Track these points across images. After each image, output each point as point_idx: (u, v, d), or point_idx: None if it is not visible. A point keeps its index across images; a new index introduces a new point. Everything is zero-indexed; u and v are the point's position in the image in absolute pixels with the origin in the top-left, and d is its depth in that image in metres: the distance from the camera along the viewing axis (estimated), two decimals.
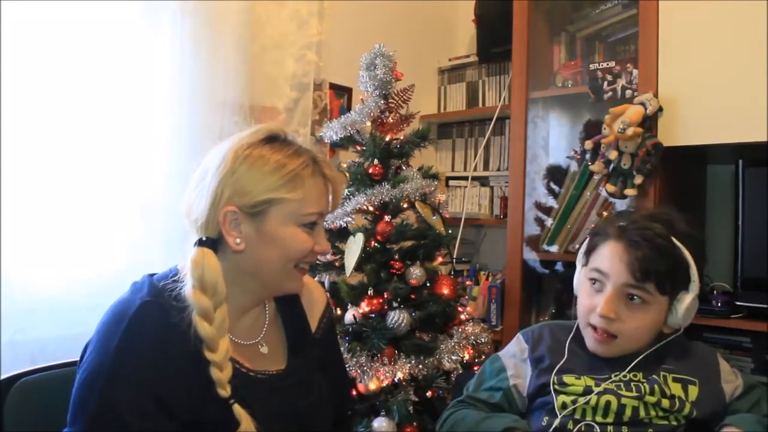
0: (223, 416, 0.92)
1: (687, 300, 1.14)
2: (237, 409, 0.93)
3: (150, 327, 0.92)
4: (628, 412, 1.10)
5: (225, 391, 0.92)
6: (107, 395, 0.88)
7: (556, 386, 1.15)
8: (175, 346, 0.91)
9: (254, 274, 1.00)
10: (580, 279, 1.23)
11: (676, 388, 1.14)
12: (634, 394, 1.12)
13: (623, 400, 1.11)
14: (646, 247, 1.11)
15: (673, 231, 1.14)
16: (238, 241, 0.97)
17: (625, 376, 1.14)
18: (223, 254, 0.98)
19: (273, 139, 1.01)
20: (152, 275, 1.02)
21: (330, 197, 1.04)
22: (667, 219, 1.17)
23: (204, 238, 0.97)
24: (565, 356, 1.19)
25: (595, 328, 1.15)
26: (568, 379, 1.16)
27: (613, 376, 1.15)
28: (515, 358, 1.24)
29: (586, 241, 1.24)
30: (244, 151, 0.98)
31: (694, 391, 1.14)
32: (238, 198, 0.96)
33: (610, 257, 1.14)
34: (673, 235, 1.13)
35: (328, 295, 1.29)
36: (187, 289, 0.93)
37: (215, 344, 0.92)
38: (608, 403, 1.11)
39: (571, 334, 1.23)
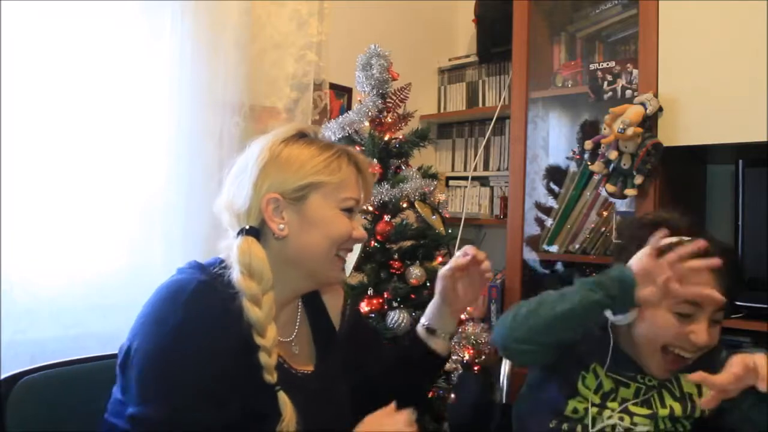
0: (267, 405, 0.93)
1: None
2: (282, 396, 0.94)
3: (208, 305, 0.92)
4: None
5: (272, 377, 0.94)
6: (173, 372, 0.89)
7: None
8: (229, 328, 0.92)
9: (297, 261, 1.01)
10: (652, 306, 1.10)
11: (690, 386, 1.13)
12: (647, 411, 1.11)
13: (636, 419, 1.10)
14: (730, 267, 1.09)
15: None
16: (281, 227, 0.99)
17: (649, 380, 1.13)
18: (265, 243, 0.99)
19: (303, 135, 1.05)
20: (197, 262, 1.04)
21: (362, 187, 1.06)
22: (699, 225, 1.16)
23: (247, 227, 0.99)
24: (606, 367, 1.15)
25: (667, 351, 1.10)
26: (571, 402, 1.14)
27: (638, 377, 1.13)
28: None
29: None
30: (279, 145, 1.01)
31: (706, 388, 1.13)
32: (280, 185, 0.99)
33: (701, 284, 1.06)
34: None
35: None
36: (235, 275, 0.95)
37: (264, 329, 0.94)
38: (621, 419, 1.10)
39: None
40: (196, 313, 0.91)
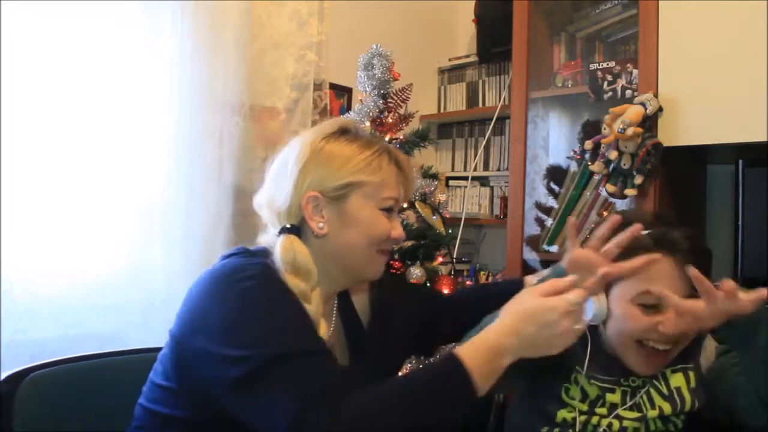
0: None
1: None
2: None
3: (274, 277, 0.94)
4: None
5: None
6: (256, 320, 0.89)
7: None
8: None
9: (336, 258, 1.02)
10: (618, 301, 1.10)
11: (677, 380, 1.12)
12: (636, 415, 1.09)
13: (625, 423, 1.09)
14: (690, 254, 1.05)
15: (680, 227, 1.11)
16: (321, 225, 0.99)
17: (633, 381, 1.11)
18: (306, 241, 1.00)
19: (345, 131, 1.04)
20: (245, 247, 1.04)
21: (403, 186, 1.06)
22: (666, 216, 1.14)
23: (288, 226, 0.99)
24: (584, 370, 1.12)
25: (642, 345, 1.07)
26: (560, 412, 1.13)
27: (621, 380, 1.12)
28: None
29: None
30: (320, 141, 1.01)
31: (692, 378, 1.12)
32: (320, 183, 0.99)
33: (665, 276, 1.04)
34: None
35: None
36: (281, 273, 0.95)
37: (317, 324, 0.95)
38: (610, 425, 1.09)
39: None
40: (264, 277, 0.92)
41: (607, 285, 1.09)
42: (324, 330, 0.95)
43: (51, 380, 1.11)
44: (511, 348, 0.89)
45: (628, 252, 1.06)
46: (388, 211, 1.03)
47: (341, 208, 1.00)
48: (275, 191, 1.02)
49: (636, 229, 1.03)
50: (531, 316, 0.89)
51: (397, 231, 1.04)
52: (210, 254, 1.91)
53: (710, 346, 1.15)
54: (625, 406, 1.10)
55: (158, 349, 1.03)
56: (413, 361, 1.66)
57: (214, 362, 0.88)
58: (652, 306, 1.06)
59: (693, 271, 0.96)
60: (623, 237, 1.04)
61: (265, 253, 0.99)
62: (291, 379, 0.84)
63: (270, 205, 1.02)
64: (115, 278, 1.74)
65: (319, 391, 0.84)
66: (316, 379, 0.85)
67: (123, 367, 1.23)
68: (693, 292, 1.01)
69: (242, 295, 0.90)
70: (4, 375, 1.07)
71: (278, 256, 0.96)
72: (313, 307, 0.94)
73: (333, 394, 0.84)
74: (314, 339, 0.92)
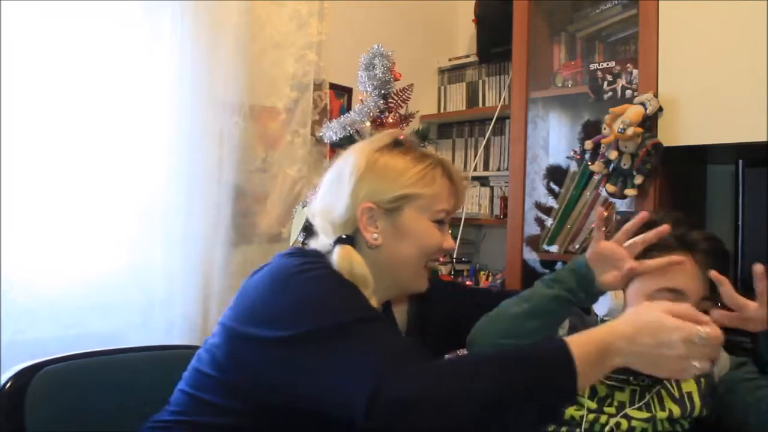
0: None
1: None
2: None
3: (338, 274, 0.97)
4: None
5: None
6: (316, 297, 0.91)
7: None
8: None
9: (388, 269, 1.03)
10: (635, 297, 1.09)
11: (689, 385, 1.12)
12: (645, 415, 1.09)
13: (633, 423, 1.09)
14: (710, 255, 1.06)
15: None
16: (375, 236, 1.01)
17: (643, 380, 1.11)
18: (359, 251, 1.02)
19: (398, 144, 1.07)
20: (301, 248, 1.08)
21: (455, 198, 1.08)
22: (685, 218, 1.13)
23: (344, 236, 1.01)
24: None
25: None
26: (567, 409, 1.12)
27: (631, 378, 1.11)
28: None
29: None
30: (375, 153, 1.04)
31: (704, 384, 1.12)
32: (375, 195, 1.01)
33: (682, 273, 1.05)
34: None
35: None
36: None
37: None
38: (618, 424, 1.09)
39: None
40: (328, 268, 0.96)
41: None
42: None
43: (63, 375, 1.12)
44: (622, 352, 0.83)
45: (650, 249, 1.05)
46: (439, 223, 1.05)
47: (395, 220, 1.02)
48: (330, 202, 1.04)
49: (664, 229, 1.03)
50: (650, 328, 0.83)
51: (448, 242, 1.07)
52: (210, 254, 1.92)
53: (723, 356, 1.15)
54: (634, 406, 1.10)
55: (167, 347, 1.05)
56: None
57: (280, 347, 0.88)
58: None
59: (714, 274, 0.95)
60: (650, 235, 1.03)
61: (321, 254, 1.02)
62: (367, 343, 0.85)
63: (324, 215, 1.04)
64: (115, 278, 1.74)
65: (398, 353, 0.84)
66: (392, 343, 0.87)
67: (136, 363, 1.25)
68: (711, 294, 1.02)
69: (308, 281, 0.93)
70: (6, 372, 1.08)
71: (335, 266, 0.99)
72: None
73: (412, 358, 0.84)
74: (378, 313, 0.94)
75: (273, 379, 0.89)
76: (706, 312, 1.01)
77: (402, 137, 1.08)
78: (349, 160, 1.04)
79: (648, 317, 0.83)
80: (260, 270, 1.00)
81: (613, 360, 0.83)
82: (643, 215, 1.06)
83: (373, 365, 0.82)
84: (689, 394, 1.12)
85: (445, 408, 0.79)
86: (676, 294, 1.04)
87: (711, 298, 1.04)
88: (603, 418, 1.10)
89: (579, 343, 0.83)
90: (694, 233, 1.08)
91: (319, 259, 0.99)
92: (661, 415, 1.09)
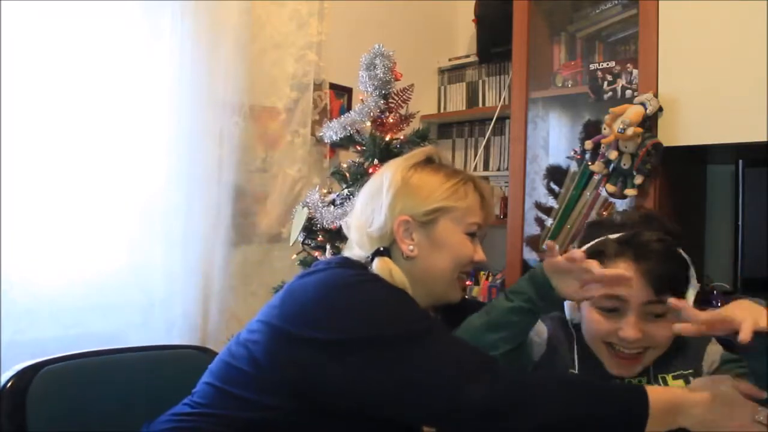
0: None
1: (692, 297, 1.08)
2: None
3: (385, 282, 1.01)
4: None
5: None
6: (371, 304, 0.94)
7: None
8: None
9: (423, 280, 1.07)
10: (584, 304, 1.10)
11: (677, 382, 1.10)
12: None
13: None
14: (655, 259, 1.03)
15: (665, 230, 1.09)
16: (411, 248, 1.05)
17: (630, 382, 1.08)
18: (395, 262, 1.06)
19: (430, 161, 1.12)
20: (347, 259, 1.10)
21: (485, 212, 1.12)
22: (655, 218, 1.12)
23: (381, 249, 1.05)
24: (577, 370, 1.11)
25: (612, 347, 1.06)
26: None
27: (617, 381, 1.09)
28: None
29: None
30: (409, 170, 1.09)
31: (692, 380, 1.09)
32: (411, 209, 1.06)
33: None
34: (668, 234, 1.08)
35: None
36: None
37: None
38: None
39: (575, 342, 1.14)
40: (382, 279, 1.00)
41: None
42: None
43: (64, 375, 1.13)
44: (691, 417, 0.89)
45: (596, 255, 1.05)
46: (471, 235, 1.09)
47: (430, 232, 1.06)
48: (367, 216, 1.08)
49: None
50: (726, 399, 0.90)
51: (479, 255, 1.10)
52: (210, 254, 1.92)
53: (714, 351, 1.13)
54: None
55: (167, 347, 1.04)
56: None
57: (343, 352, 0.91)
58: (612, 310, 1.04)
59: (673, 301, 0.94)
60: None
61: (365, 266, 1.06)
62: (446, 351, 0.90)
63: (361, 229, 1.08)
64: (115, 278, 1.74)
65: (479, 361, 0.90)
66: (470, 351, 0.92)
67: (137, 363, 1.25)
68: (658, 297, 1.01)
69: (367, 290, 0.97)
70: (7, 372, 1.08)
71: None
72: None
73: (491, 366, 0.89)
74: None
75: (324, 378, 0.92)
76: (660, 316, 1.03)
77: (434, 154, 1.13)
78: (386, 176, 1.09)
79: (723, 388, 0.91)
80: (308, 275, 1.02)
81: (683, 420, 0.89)
82: (573, 253, 1.02)
83: (457, 372, 0.87)
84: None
85: (525, 418, 0.86)
86: (617, 300, 1.03)
87: (657, 301, 1.02)
88: None
89: (657, 393, 0.90)
90: (645, 235, 1.06)
91: (368, 271, 1.04)
92: None
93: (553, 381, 0.93)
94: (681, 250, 1.08)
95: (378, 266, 1.04)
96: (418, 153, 1.13)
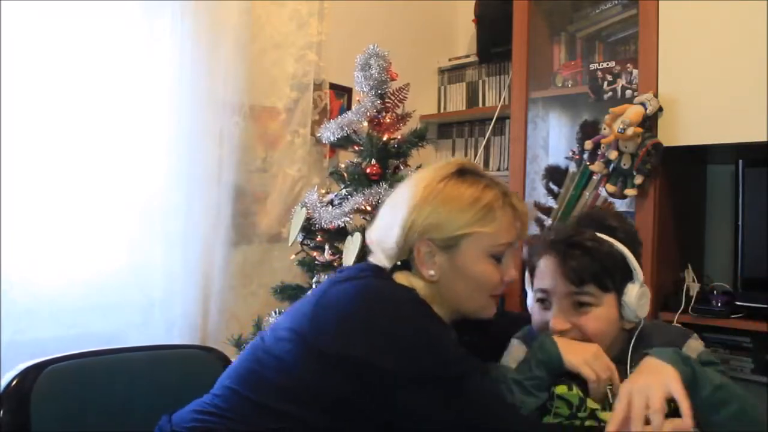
0: None
1: (633, 291, 1.12)
2: None
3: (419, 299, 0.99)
4: None
5: None
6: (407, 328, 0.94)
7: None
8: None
9: (448, 302, 1.06)
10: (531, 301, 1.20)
11: None
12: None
13: (603, 424, 1.08)
14: (575, 253, 1.09)
15: (600, 228, 1.14)
16: (432, 273, 1.03)
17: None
18: (417, 274, 1.04)
19: (464, 173, 1.06)
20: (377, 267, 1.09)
21: (519, 227, 1.09)
22: (595, 218, 1.18)
23: (399, 263, 1.04)
24: None
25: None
26: (560, 389, 1.14)
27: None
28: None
29: (527, 264, 1.21)
30: (437, 184, 1.03)
31: None
32: (433, 232, 1.01)
33: (547, 273, 1.13)
34: (601, 232, 1.13)
35: None
36: None
37: None
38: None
39: None
40: (409, 296, 0.98)
41: None
42: None
43: (69, 374, 1.13)
44: None
45: (530, 253, 1.18)
46: (499, 257, 1.06)
47: (452, 258, 1.03)
48: (388, 232, 1.04)
49: None
50: None
51: (509, 274, 1.08)
52: (210, 254, 1.92)
53: (694, 347, 1.15)
54: (603, 409, 1.10)
55: (167, 347, 1.03)
56: None
57: (385, 379, 0.90)
58: (543, 300, 1.14)
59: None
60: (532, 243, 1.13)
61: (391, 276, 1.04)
62: (487, 400, 0.93)
63: (380, 244, 1.06)
64: (115, 278, 1.74)
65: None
66: (511, 406, 0.96)
67: (141, 362, 1.25)
68: (577, 288, 1.08)
69: (407, 316, 0.94)
70: (11, 371, 1.09)
71: None
72: None
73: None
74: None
75: (354, 397, 0.92)
76: (584, 305, 1.09)
77: (467, 166, 1.08)
78: (409, 190, 1.05)
79: None
80: (338, 283, 1.00)
81: None
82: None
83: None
84: None
85: None
86: (544, 292, 1.13)
87: (579, 292, 1.09)
88: (577, 422, 1.10)
89: None
90: (572, 234, 1.13)
91: (403, 286, 1.01)
92: None
93: None
94: (616, 243, 1.12)
95: (398, 282, 1.02)
96: (450, 164, 1.07)
